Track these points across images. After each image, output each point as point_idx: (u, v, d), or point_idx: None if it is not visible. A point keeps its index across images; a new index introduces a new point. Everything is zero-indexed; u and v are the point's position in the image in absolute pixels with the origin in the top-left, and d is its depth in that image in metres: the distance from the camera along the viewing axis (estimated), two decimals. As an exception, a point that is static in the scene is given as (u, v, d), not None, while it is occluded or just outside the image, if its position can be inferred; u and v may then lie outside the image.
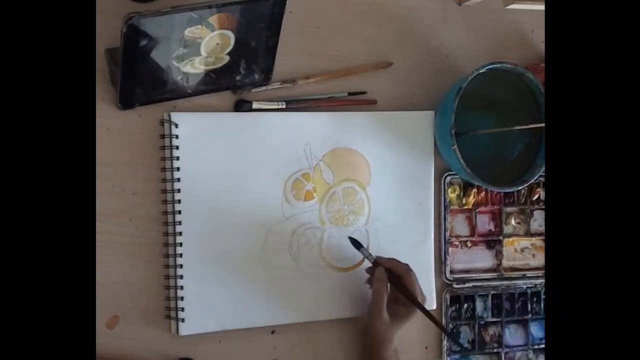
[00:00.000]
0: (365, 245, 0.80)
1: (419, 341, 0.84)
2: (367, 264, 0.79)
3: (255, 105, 0.76)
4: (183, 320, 0.73)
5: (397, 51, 0.83)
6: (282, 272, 0.77)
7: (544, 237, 0.89)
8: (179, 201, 0.72)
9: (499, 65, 0.77)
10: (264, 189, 0.76)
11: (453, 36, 0.85)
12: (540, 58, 0.88)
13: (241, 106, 0.75)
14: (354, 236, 0.79)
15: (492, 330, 0.87)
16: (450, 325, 0.85)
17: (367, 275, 0.78)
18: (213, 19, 0.65)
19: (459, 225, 0.86)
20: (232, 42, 0.69)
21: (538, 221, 0.89)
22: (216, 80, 0.72)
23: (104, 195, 0.71)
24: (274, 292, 0.77)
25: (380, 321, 0.74)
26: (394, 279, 0.76)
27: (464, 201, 0.86)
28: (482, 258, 0.87)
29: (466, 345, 0.86)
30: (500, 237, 0.87)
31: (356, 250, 0.79)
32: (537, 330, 0.89)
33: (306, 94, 0.79)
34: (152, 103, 0.71)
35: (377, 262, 0.77)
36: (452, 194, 0.85)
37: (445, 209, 0.84)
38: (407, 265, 0.76)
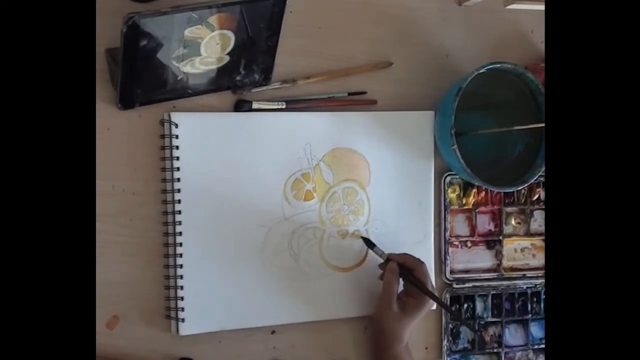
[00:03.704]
0: (365, 245, 0.80)
1: (419, 341, 0.84)
2: (368, 263, 0.80)
3: (255, 105, 0.76)
4: (183, 320, 0.73)
5: (397, 51, 0.83)
6: (282, 272, 0.77)
7: (544, 237, 0.89)
8: (179, 201, 0.72)
9: (499, 65, 0.77)
10: (264, 189, 0.76)
11: (453, 36, 0.85)
12: (540, 58, 0.88)
13: (241, 106, 0.75)
14: (353, 236, 0.80)
15: (492, 330, 0.87)
16: (450, 325, 0.85)
17: (380, 272, 0.79)
18: (213, 19, 0.65)
19: (459, 225, 0.86)
20: (232, 42, 0.69)
21: (538, 221, 0.89)
22: (216, 80, 0.72)
23: (104, 195, 0.71)
24: (274, 292, 0.77)
25: (390, 313, 0.75)
26: (405, 272, 0.77)
27: (464, 201, 0.86)
28: (482, 258, 0.87)
29: (466, 345, 0.86)
30: (500, 237, 0.87)
31: (356, 250, 0.79)
32: (537, 330, 0.89)
33: (306, 94, 0.79)
34: (152, 103, 0.71)
35: (389, 258, 0.78)
36: (452, 194, 0.85)
37: (445, 209, 0.84)
38: (418, 259, 0.77)
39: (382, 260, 0.79)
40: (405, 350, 0.76)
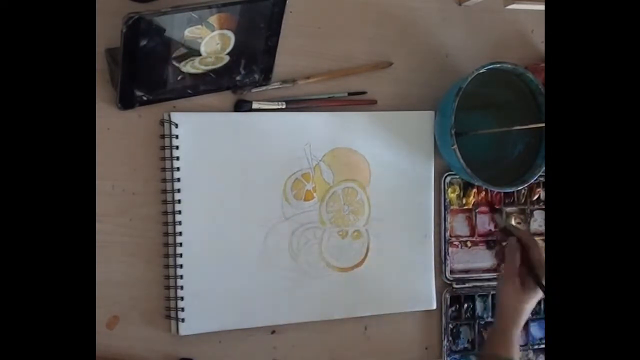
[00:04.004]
0: (365, 245, 0.80)
1: (419, 341, 0.84)
2: (368, 263, 0.80)
3: (255, 105, 0.76)
4: (183, 320, 0.73)
5: (397, 51, 0.83)
6: (282, 272, 0.77)
7: (544, 237, 0.89)
8: (179, 201, 0.72)
9: (499, 65, 0.77)
10: (264, 189, 0.76)
11: (453, 36, 0.85)
12: (540, 58, 0.88)
13: (241, 106, 0.75)
14: (353, 236, 0.80)
15: (492, 330, 0.87)
16: (450, 326, 0.85)
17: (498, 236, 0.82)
18: (213, 19, 0.65)
19: (459, 225, 0.86)
20: (232, 42, 0.69)
21: (538, 221, 0.89)
22: (216, 80, 0.72)
23: (104, 195, 0.71)
24: (274, 292, 0.77)
25: (512, 287, 0.76)
26: (522, 251, 0.78)
27: (464, 201, 0.86)
28: (482, 258, 0.87)
29: (466, 345, 0.86)
30: (501, 237, 0.87)
31: (356, 250, 0.79)
32: (537, 330, 0.89)
33: (306, 94, 0.79)
34: (152, 103, 0.71)
35: (507, 229, 0.81)
36: (452, 194, 0.85)
37: (445, 209, 0.84)
38: (534, 238, 0.79)
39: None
40: (517, 340, 0.76)
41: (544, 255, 0.77)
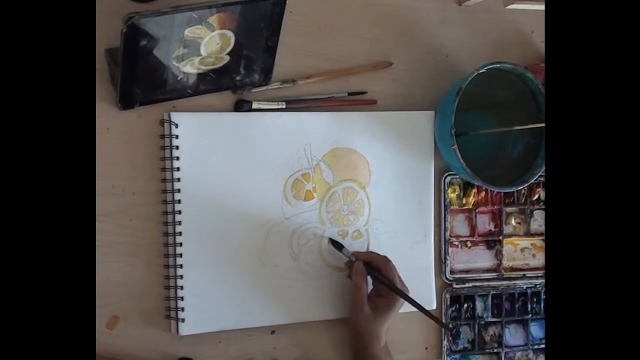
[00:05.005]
0: (365, 245, 0.80)
1: (419, 341, 0.84)
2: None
3: (255, 105, 0.76)
4: (183, 320, 0.73)
5: (397, 51, 0.83)
6: (282, 272, 0.77)
7: (544, 237, 0.89)
8: (179, 201, 0.72)
9: (499, 65, 0.77)
10: (264, 189, 0.76)
11: (453, 36, 0.85)
12: (540, 58, 0.88)
13: (241, 106, 0.75)
14: (353, 236, 0.80)
15: (492, 330, 0.87)
16: (450, 326, 0.85)
17: (347, 272, 0.78)
18: (213, 19, 0.65)
19: (459, 225, 0.86)
20: (232, 42, 0.69)
21: (538, 221, 0.89)
22: (216, 80, 0.72)
23: (104, 195, 0.71)
24: (274, 292, 0.77)
25: (362, 315, 0.74)
26: (372, 271, 0.75)
27: (464, 201, 0.86)
28: (482, 258, 0.87)
29: (466, 345, 0.86)
30: (500, 237, 0.87)
31: (356, 250, 0.79)
32: (537, 330, 0.89)
33: (306, 94, 0.79)
34: (152, 103, 0.71)
35: (356, 258, 0.77)
36: (452, 194, 0.85)
37: (445, 209, 0.84)
38: (385, 257, 0.76)
39: (347, 259, 0.77)
40: (384, 351, 0.75)
41: (395, 269, 0.75)
